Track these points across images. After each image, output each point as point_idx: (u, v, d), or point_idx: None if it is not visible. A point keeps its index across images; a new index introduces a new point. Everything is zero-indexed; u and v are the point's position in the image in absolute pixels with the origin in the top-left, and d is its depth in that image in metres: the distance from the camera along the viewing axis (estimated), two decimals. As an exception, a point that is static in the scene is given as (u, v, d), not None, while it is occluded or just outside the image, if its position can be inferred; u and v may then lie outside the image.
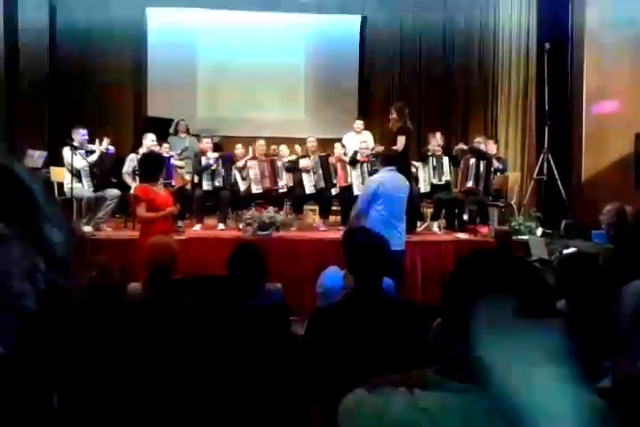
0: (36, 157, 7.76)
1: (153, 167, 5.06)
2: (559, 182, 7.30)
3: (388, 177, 5.12)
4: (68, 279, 0.50)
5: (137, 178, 6.71)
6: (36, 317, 0.46)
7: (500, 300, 0.92)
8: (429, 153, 7.43)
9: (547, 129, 7.54)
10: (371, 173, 6.57)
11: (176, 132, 8.45)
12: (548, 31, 7.98)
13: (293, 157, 7.72)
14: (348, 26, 10.33)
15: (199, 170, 7.09)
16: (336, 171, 7.56)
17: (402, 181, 5.25)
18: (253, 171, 7.30)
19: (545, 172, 7.43)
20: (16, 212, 0.48)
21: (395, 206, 5.06)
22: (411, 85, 10.36)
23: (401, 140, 6.62)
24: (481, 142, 7.56)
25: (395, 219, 5.06)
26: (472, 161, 7.35)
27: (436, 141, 7.49)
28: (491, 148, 7.51)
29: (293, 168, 7.45)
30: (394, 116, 6.81)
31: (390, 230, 4.85)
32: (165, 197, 4.99)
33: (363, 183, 7.22)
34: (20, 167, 0.53)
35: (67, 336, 0.50)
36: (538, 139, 7.97)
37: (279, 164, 7.44)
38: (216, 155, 7.27)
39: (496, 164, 7.37)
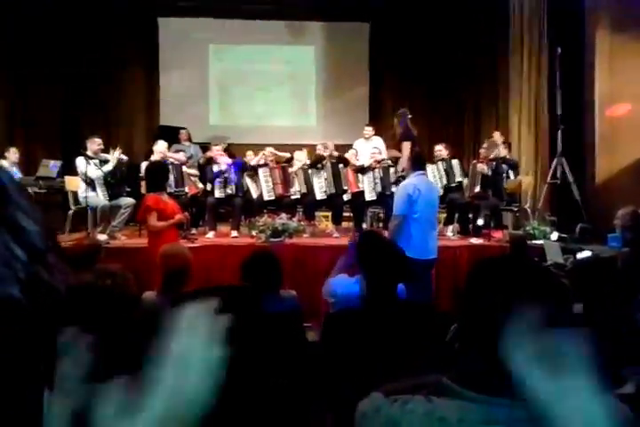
0: (50, 167, 7.84)
1: (160, 177, 5.12)
2: (573, 186, 7.24)
3: (421, 181, 4.82)
4: (48, 271, 0.49)
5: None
6: (17, 303, 0.45)
7: (525, 310, 0.91)
8: (436, 158, 7.41)
9: (560, 133, 7.49)
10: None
11: (178, 141, 8.46)
12: (559, 34, 7.94)
13: (308, 162, 7.67)
14: (357, 32, 10.36)
15: (212, 177, 7.12)
16: (347, 177, 7.56)
17: (433, 184, 5.17)
18: (265, 178, 7.32)
19: (558, 176, 7.38)
20: None
21: (430, 212, 4.82)
22: (421, 91, 10.36)
23: (406, 147, 6.61)
24: (489, 148, 7.54)
25: (430, 225, 4.80)
26: (480, 166, 7.33)
27: (441, 152, 7.46)
28: (501, 151, 7.48)
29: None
30: (396, 121, 6.80)
31: (427, 237, 4.70)
32: (173, 205, 5.04)
33: (374, 189, 7.22)
34: None
35: (50, 327, 0.49)
36: (551, 143, 7.91)
37: (290, 170, 7.46)
38: (229, 160, 7.30)
39: (504, 167, 7.32)
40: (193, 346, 0.63)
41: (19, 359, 0.47)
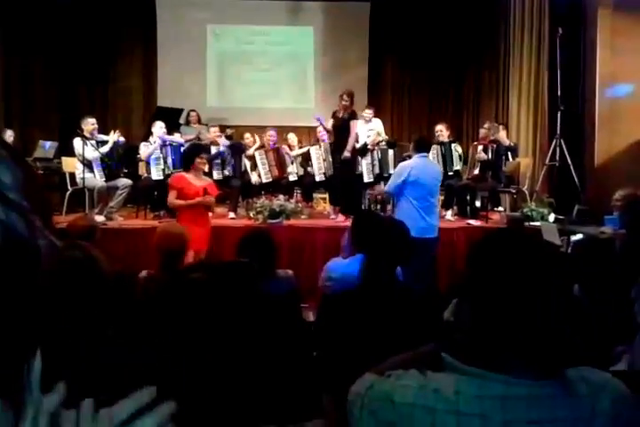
0: (47, 148, 7.80)
1: (188, 157, 5.30)
2: (572, 168, 7.22)
3: (419, 162, 5.11)
4: (29, 230, 0.47)
5: (149, 166, 6.75)
6: None
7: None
8: (436, 140, 7.35)
9: (559, 114, 7.45)
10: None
11: (188, 123, 8.50)
12: (560, 14, 7.85)
13: (305, 149, 7.67)
14: (357, 13, 10.23)
15: (210, 159, 7.08)
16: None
17: (434, 166, 5.20)
18: (261, 160, 7.30)
19: (557, 157, 7.36)
20: None
21: (424, 192, 5.00)
22: (421, 72, 10.28)
23: (354, 126, 6.61)
24: (490, 128, 7.50)
25: (426, 205, 4.99)
26: (479, 148, 7.29)
27: (441, 132, 7.38)
28: (501, 134, 7.43)
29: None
30: (346, 102, 6.68)
31: (421, 216, 4.90)
32: (199, 187, 5.08)
33: (373, 171, 7.19)
34: None
35: (28, 291, 0.47)
36: (550, 124, 7.87)
37: (285, 152, 7.43)
38: (227, 142, 7.28)
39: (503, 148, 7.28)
40: None
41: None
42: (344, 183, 6.79)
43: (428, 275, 4.75)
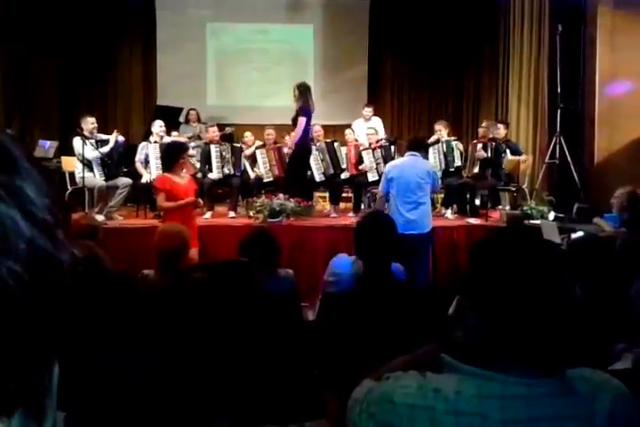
0: (47, 147, 7.80)
1: (170, 157, 5.13)
2: (571, 166, 7.22)
3: (405, 160, 5.28)
4: (54, 245, 0.48)
5: (148, 166, 6.75)
6: (19, 279, 0.44)
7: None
8: (436, 140, 7.34)
9: (559, 111, 7.45)
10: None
11: (187, 121, 8.48)
12: (560, 11, 7.84)
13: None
14: (357, 11, 10.21)
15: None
16: (347, 156, 7.53)
17: (421, 165, 5.20)
18: (262, 159, 7.29)
19: (557, 155, 7.35)
20: None
21: (406, 189, 5.06)
22: (421, 70, 10.27)
23: (301, 122, 6.48)
24: (488, 127, 7.50)
25: (402, 202, 5.06)
26: (479, 146, 7.29)
27: (440, 131, 7.38)
28: (500, 132, 7.43)
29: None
30: (295, 94, 6.54)
31: (404, 212, 4.97)
32: (186, 186, 5.04)
33: (377, 169, 7.18)
34: None
35: (56, 306, 0.48)
36: (550, 122, 7.86)
37: (286, 150, 7.43)
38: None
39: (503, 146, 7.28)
40: None
41: (16, 339, 0.46)
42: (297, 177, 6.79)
43: (420, 271, 4.78)
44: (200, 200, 5.28)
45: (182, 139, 7.49)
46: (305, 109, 6.52)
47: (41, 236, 0.46)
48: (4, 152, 0.48)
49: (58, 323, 0.49)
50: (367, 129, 7.78)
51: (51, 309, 0.47)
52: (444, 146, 7.24)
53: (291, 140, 6.70)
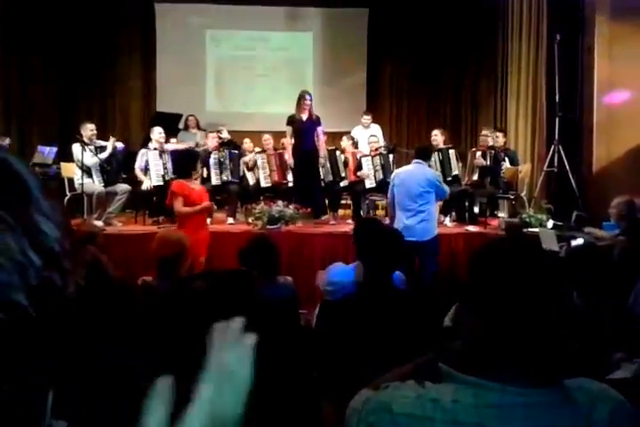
0: (46, 153, 7.79)
1: (187, 164, 5.26)
2: (570, 174, 7.24)
3: (408, 168, 5.39)
4: (62, 277, 0.48)
5: (149, 173, 6.75)
6: (24, 312, 0.45)
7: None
8: (433, 148, 7.34)
9: (557, 120, 7.47)
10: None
11: (186, 128, 8.49)
12: (558, 20, 7.88)
13: None
14: (356, 19, 10.26)
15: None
16: (346, 163, 7.54)
17: (423, 173, 5.22)
18: (262, 164, 7.30)
19: (555, 163, 7.37)
20: (9, 202, 0.47)
21: (405, 196, 5.13)
22: (419, 78, 10.30)
23: (288, 131, 6.65)
24: (488, 135, 7.52)
25: (403, 209, 5.14)
26: (478, 154, 7.31)
27: (436, 137, 7.39)
28: (499, 140, 7.44)
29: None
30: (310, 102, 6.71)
31: (402, 220, 5.06)
32: (200, 192, 5.18)
33: (375, 176, 7.20)
34: (15, 159, 0.51)
35: (57, 335, 0.49)
36: (548, 130, 7.89)
37: (287, 156, 7.44)
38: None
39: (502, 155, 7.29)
40: (235, 362, 0.63)
41: (20, 369, 0.46)
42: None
43: (419, 278, 4.82)
44: (214, 205, 5.43)
45: (182, 146, 7.49)
46: (292, 120, 6.65)
47: (55, 274, 0.47)
48: (19, 183, 0.48)
49: (57, 347, 0.49)
50: (370, 137, 7.80)
51: (51, 333, 0.48)
52: (441, 155, 7.25)
53: (322, 149, 6.82)
